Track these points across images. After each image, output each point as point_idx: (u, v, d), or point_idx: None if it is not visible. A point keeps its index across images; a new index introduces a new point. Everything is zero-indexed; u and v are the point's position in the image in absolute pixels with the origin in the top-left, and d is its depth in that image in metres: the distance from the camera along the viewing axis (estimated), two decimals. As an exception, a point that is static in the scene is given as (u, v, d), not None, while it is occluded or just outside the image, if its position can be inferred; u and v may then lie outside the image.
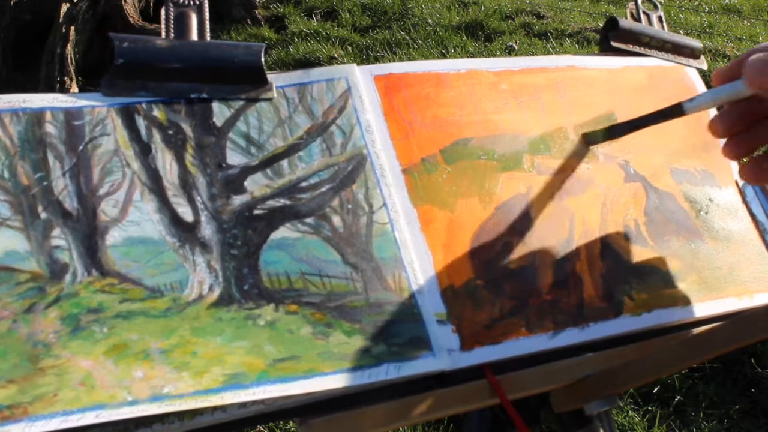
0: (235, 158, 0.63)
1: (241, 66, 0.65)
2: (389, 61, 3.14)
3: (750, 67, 0.54)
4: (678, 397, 1.53)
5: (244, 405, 0.54)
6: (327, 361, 0.56)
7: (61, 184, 0.57)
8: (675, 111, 0.66)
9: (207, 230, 0.59)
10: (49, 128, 0.58)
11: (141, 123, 0.61)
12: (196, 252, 0.58)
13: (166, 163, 0.60)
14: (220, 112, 0.64)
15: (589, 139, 0.75)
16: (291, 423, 1.49)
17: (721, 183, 0.80)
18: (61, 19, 3.34)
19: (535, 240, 0.69)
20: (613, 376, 0.63)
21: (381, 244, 0.63)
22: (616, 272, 0.70)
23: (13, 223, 0.54)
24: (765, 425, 1.47)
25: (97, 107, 0.60)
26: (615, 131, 0.74)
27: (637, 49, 0.85)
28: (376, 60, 3.23)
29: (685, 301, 0.70)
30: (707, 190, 0.79)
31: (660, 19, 0.89)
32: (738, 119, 0.60)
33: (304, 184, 0.64)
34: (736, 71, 0.59)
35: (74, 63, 3.24)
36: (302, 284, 0.59)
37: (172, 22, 0.65)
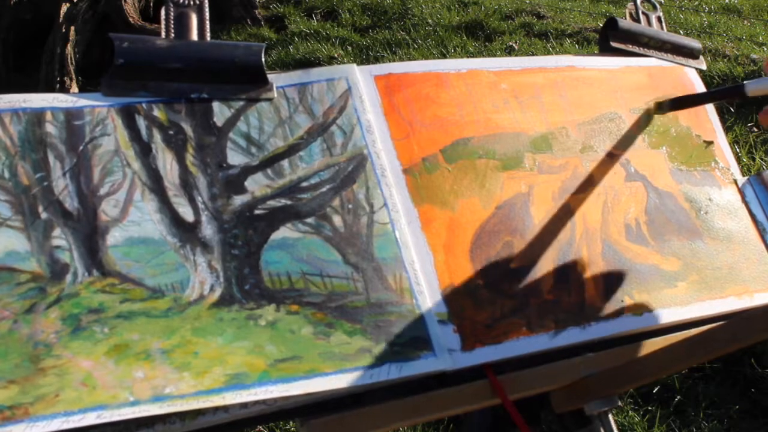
0: (235, 158, 0.63)
1: (241, 66, 0.65)
2: (389, 61, 3.14)
3: None
4: (678, 397, 1.53)
5: (245, 405, 0.54)
6: (328, 361, 0.56)
7: (62, 184, 0.57)
8: (737, 91, 0.72)
9: (208, 230, 0.59)
10: (50, 128, 0.58)
11: (141, 123, 0.61)
12: (197, 252, 0.58)
13: (166, 163, 0.60)
14: (221, 112, 0.64)
15: (658, 108, 0.82)
16: (291, 423, 1.49)
17: (720, 183, 0.80)
18: (61, 19, 3.33)
19: (536, 239, 0.69)
20: (613, 376, 0.63)
21: (382, 244, 0.63)
22: (617, 271, 0.70)
23: (14, 223, 0.54)
24: (765, 425, 1.47)
25: (97, 107, 0.60)
26: (679, 103, 0.81)
27: (636, 49, 0.85)
28: (376, 60, 3.23)
29: (685, 301, 0.70)
30: (707, 190, 0.79)
31: (659, 19, 0.89)
32: None
33: (304, 184, 0.64)
34: None
35: (74, 63, 3.24)
36: (303, 284, 0.59)
37: (172, 22, 0.65)
